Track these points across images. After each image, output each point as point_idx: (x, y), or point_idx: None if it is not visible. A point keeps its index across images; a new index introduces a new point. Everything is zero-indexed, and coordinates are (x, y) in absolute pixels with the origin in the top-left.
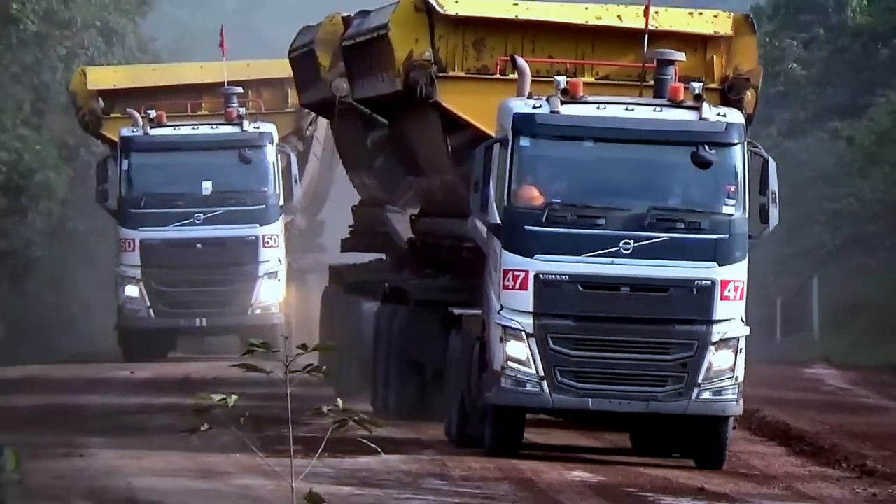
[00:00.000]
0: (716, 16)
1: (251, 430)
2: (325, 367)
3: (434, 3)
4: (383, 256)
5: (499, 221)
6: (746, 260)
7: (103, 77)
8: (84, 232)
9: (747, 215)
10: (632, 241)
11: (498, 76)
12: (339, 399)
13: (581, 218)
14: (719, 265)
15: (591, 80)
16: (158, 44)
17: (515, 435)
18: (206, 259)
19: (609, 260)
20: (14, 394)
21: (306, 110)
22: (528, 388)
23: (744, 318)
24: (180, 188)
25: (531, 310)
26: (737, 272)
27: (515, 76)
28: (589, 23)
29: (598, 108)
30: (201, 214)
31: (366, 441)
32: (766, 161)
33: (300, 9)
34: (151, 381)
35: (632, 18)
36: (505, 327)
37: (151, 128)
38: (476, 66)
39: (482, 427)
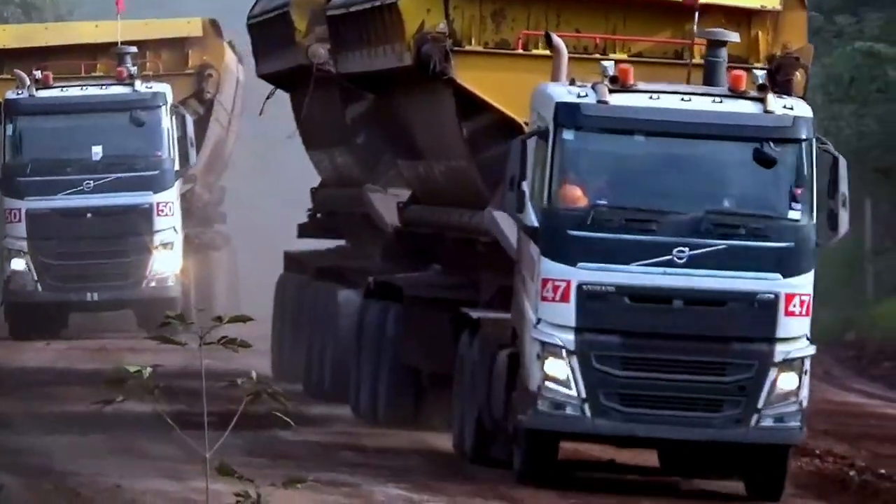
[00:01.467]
0: None
1: (166, 403)
2: (238, 340)
3: None
4: (342, 242)
5: (536, 224)
6: (813, 271)
7: None
8: None
9: (815, 221)
10: (686, 249)
11: (520, 51)
12: (253, 372)
13: (630, 222)
14: (784, 277)
15: (623, 56)
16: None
17: (549, 461)
18: (97, 229)
19: (661, 270)
20: None
21: (208, 72)
22: (567, 412)
23: (809, 336)
24: (68, 154)
25: (573, 324)
26: (803, 285)
27: (541, 52)
28: None
29: (651, 97)
30: (91, 181)
31: (279, 415)
32: (836, 159)
33: None
34: (67, 351)
35: None
36: (543, 343)
37: (37, 90)
38: (494, 40)
39: (507, 449)
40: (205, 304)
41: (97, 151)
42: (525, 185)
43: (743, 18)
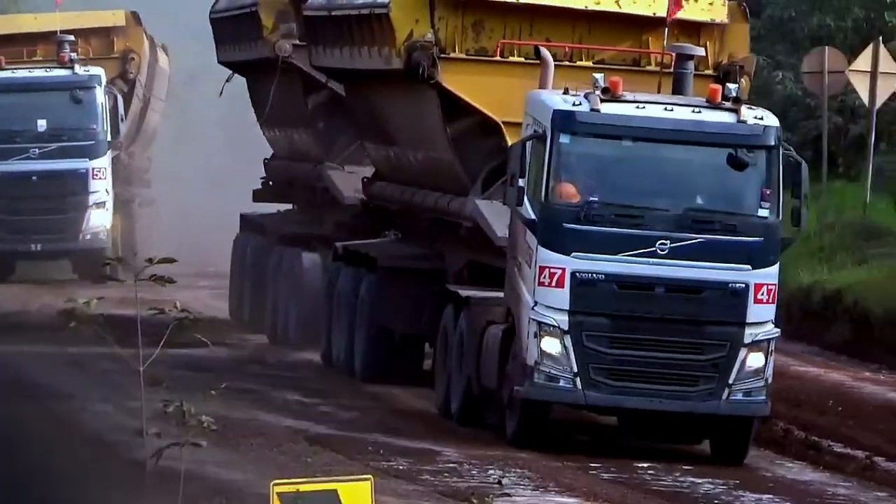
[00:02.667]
0: (711, 3)
1: (108, 329)
2: (166, 277)
3: None
4: (291, 206)
5: (534, 217)
6: (779, 263)
7: None
8: None
9: (780, 218)
10: (668, 242)
11: (498, 58)
12: (177, 302)
13: (619, 217)
14: (753, 268)
15: (588, 64)
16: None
17: (541, 428)
18: (41, 190)
19: (645, 260)
20: None
21: (130, 56)
22: (561, 384)
23: (773, 321)
24: (17, 126)
25: (567, 307)
26: (770, 275)
27: (517, 59)
28: (588, 7)
29: (638, 107)
30: (36, 149)
31: (199, 336)
32: (800, 164)
33: None
34: (18, 292)
35: (628, 5)
36: (540, 323)
37: None
38: (474, 48)
39: (496, 415)
40: (127, 252)
41: (42, 124)
42: (522, 182)
43: (694, 30)
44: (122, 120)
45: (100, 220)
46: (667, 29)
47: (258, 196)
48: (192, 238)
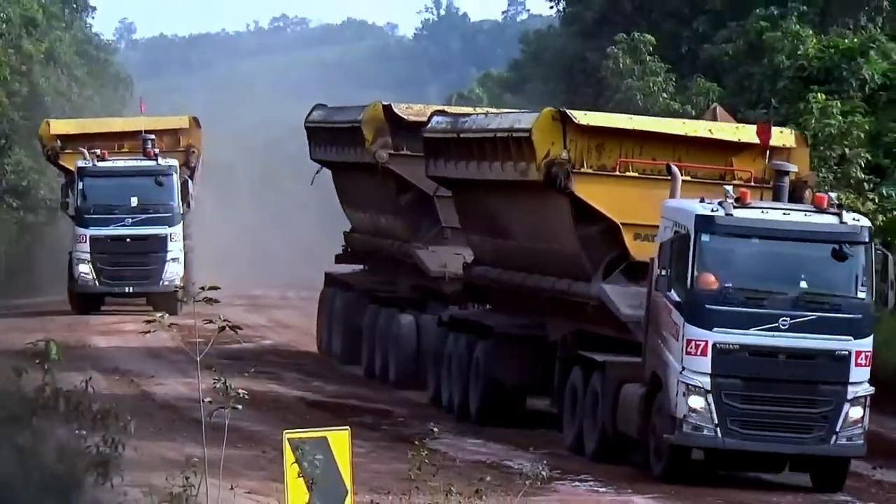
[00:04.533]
0: (781, 132)
1: (179, 333)
2: (212, 298)
3: (571, 116)
4: (363, 266)
5: (680, 300)
6: (872, 335)
7: (60, 126)
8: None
9: (873, 299)
10: (788, 319)
11: (617, 173)
12: (220, 315)
13: (749, 299)
14: (854, 339)
15: (687, 178)
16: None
17: (685, 467)
18: (133, 248)
19: (771, 333)
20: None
21: (192, 150)
22: (704, 433)
23: (869, 380)
24: (116, 201)
25: (709, 371)
26: (866, 345)
27: (632, 173)
28: (687, 134)
29: (763, 212)
30: (130, 219)
31: (237, 335)
32: (886, 256)
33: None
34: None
35: (718, 132)
36: (688, 384)
37: (98, 161)
38: (597, 164)
39: (640, 455)
40: (187, 285)
41: (134, 200)
42: (670, 273)
43: (765, 151)
44: (191, 197)
45: (175, 270)
46: (769, 152)
47: (340, 259)
48: (228, 272)
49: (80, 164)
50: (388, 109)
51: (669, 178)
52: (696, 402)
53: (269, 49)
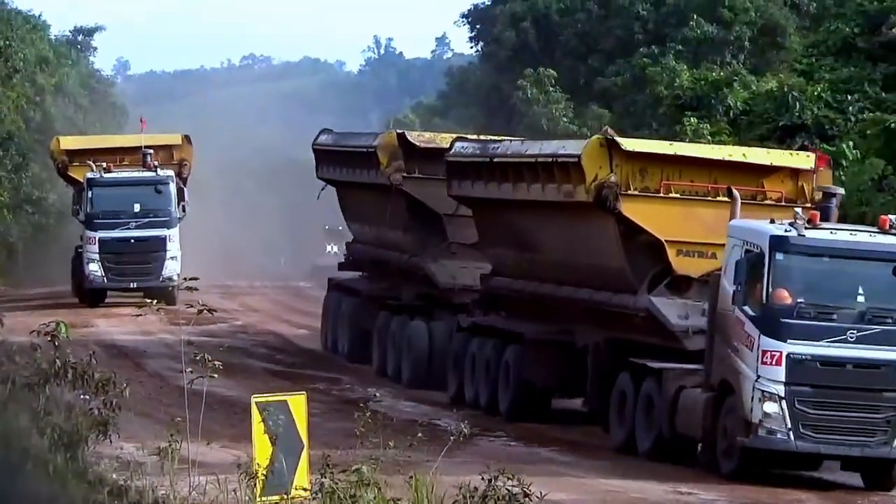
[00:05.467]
0: (808, 156)
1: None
2: (193, 287)
3: (618, 142)
4: (361, 273)
5: (754, 314)
6: None
7: (68, 142)
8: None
9: None
10: (855, 332)
11: (661, 195)
12: (199, 301)
13: (820, 314)
14: None
15: (724, 199)
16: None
17: (755, 468)
18: (137, 248)
19: (839, 345)
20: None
21: (184, 163)
22: (777, 437)
23: None
24: (121, 207)
25: (783, 380)
26: None
27: (674, 195)
28: (723, 158)
29: (832, 233)
30: (133, 223)
31: (213, 317)
32: None
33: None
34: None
35: (752, 156)
36: (763, 391)
37: (104, 173)
38: (640, 187)
39: (705, 454)
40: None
41: (137, 206)
42: (744, 289)
43: (794, 173)
44: (186, 203)
45: (172, 267)
46: (815, 175)
47: (343, 266)
48: (205, 266)
49: (89, 175)
50: (401, 137)
51: (712, 198)
52: (771, 407)
53: (240, 82)
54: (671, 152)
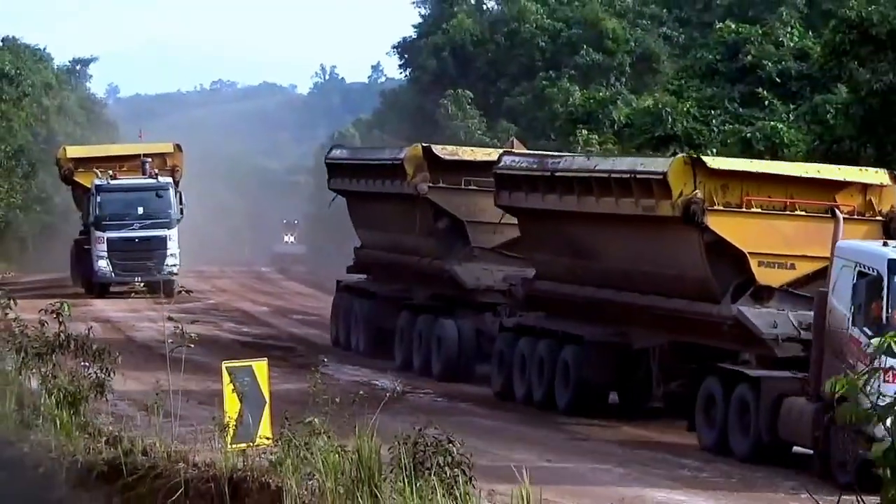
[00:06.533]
0: (876, 172)
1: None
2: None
3: (703, 160)
4: (365, 276)
5: (872, 334)
6: None
7: (74, 151)
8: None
9: None
10: None
11: (743, 209)
12: (182, 284)
13: None
14: None
15: (802, 213)
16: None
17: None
18: (140, 247)
19: None
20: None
21: (176, 168)
22: None
23: None
24: (126, 210)
25: None
26: None
27: (755, 209)
28: (799, 175)
29: None
30: (137, 224)
31: (190, 297)
32: None
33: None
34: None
35: (826, 172)
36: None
37: (110, 179)
38: (722, 202)
39: (819, 464)
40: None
41: (140, 209)
42: (859, 309)
43: (863, 189)
44: (182, 206)
45: (173, 263)
46: (882, 190)
47: (350, 270)
48: (183, 255)
49: (97, 181)
50: (426, 150)
51: (790, 212)
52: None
53: (210, 103)
54: (751, 169)
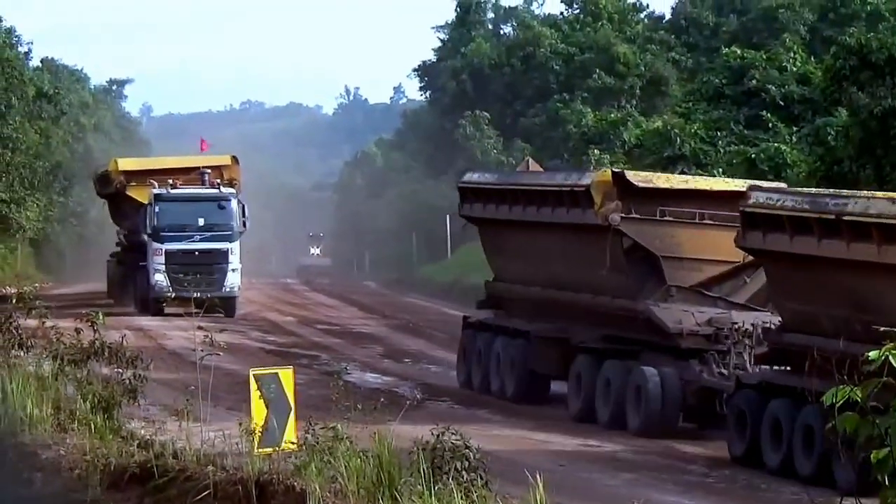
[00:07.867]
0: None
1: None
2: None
3: (625, 174)
4: (495, 313)
5: None
6: None
7: (125, 164)
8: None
9: None
10: None
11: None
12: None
13: None
14: None
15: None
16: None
17: None
18: (201, 260)
19: None
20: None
21: (234, 181)
22: None
23: None
24: (187, 221)
25: None
26: None
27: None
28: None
29: None
30: (198, 236)
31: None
32: None
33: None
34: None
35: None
36: None
37: (171, 189)
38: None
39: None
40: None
41: (201, 221)
42: None
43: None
44: (246, 219)
45: (234, 278)
46: None
47: (481, 305)
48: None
49: (156, 191)
50: (617, 175)
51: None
52: None
53: (240, 122)
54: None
